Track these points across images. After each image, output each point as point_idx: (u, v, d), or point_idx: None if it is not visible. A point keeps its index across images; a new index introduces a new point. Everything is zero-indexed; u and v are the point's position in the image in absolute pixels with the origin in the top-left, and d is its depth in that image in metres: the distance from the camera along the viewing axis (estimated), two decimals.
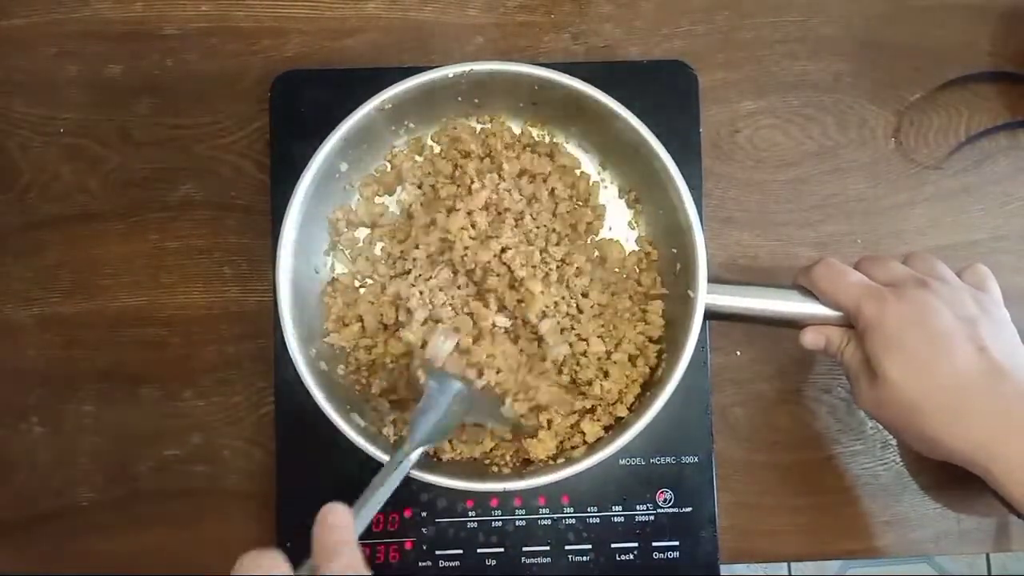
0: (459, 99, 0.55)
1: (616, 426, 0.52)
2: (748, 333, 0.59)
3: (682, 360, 0.50)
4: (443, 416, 0.49)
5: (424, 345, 0.51)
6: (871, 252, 0.60)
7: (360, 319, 0.54)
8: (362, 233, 0.56)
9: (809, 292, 0.51)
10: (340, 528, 0.39)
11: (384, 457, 0.48)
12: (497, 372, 0.51)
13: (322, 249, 0.55)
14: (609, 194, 0.58)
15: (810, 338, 0.52)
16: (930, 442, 0.47)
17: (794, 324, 0.52)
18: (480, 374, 0.51)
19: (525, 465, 0.52)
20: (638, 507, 0.55)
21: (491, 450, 0.53)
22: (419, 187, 0.56)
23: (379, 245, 0.56)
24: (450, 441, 0.53)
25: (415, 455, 0.46)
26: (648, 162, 0.52)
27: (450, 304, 0.52)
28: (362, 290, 0.55)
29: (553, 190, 0.56)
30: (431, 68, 0.52)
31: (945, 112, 0.61)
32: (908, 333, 0.47)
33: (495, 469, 0.52)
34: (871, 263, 0.51)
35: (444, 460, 0.53)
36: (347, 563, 0.37)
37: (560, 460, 0.51)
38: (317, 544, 0.38)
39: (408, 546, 0.54)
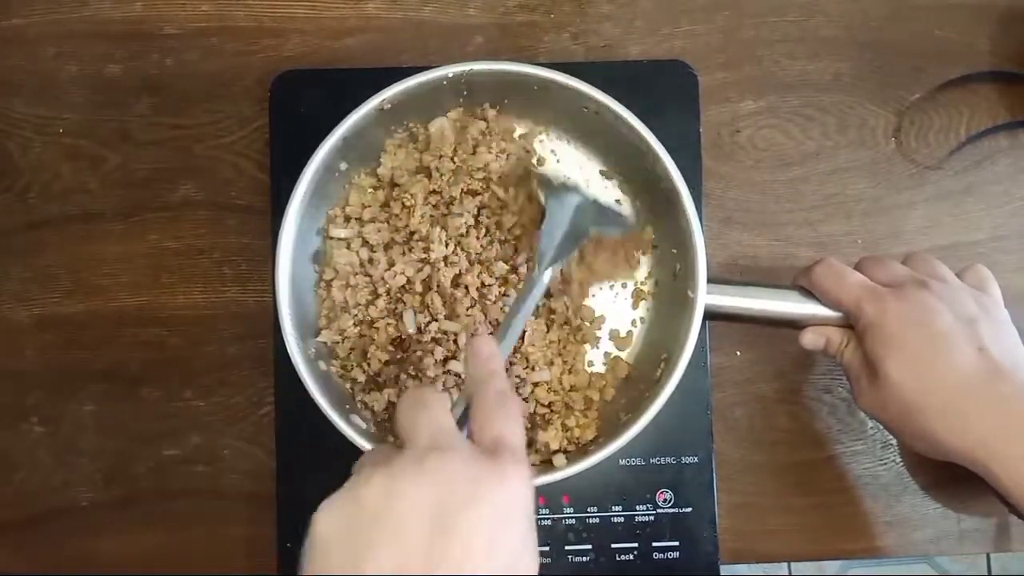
0: (459, 99, 0.55)
1: (615, 426, 0.52)
2: (748, 333, 0.59)
3: (682, 360, 0.50)
4: (568, 229, 0.50)
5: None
6: (871, 252, 0.60)
7: (343, 308, 0.54)
8: (353, 229, 0.56)
9: (809, 292, 0.51)
10: (490, 357, 0.41)
11: None
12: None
13: (321, 249, 0.55)
14: (609, 195, 0.58)
15: (810, 338, 0.52)
16: (930, 441, 0.47)
17: (794, 324, 0.52)
18: None
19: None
20: (638, 507, 0.55)
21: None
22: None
23: (368, 228, 0.55)
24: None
25: (547, 275, 0.48)
26: (648, 162, 0.52)
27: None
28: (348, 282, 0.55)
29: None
30: (431, 68, 0.52)
31: (945, 112, 0.61)
32: (908, 333, 0.47)
33: None
34: (871, 263, 0.51)
35: None
36: (497, 387, 0.39)
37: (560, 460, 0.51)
38: (470, 375, 0.41)
39: None
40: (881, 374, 0.47)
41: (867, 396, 0.49)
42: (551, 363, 0.54)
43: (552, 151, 0.58)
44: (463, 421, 0.39)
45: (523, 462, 0.37)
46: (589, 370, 0.55)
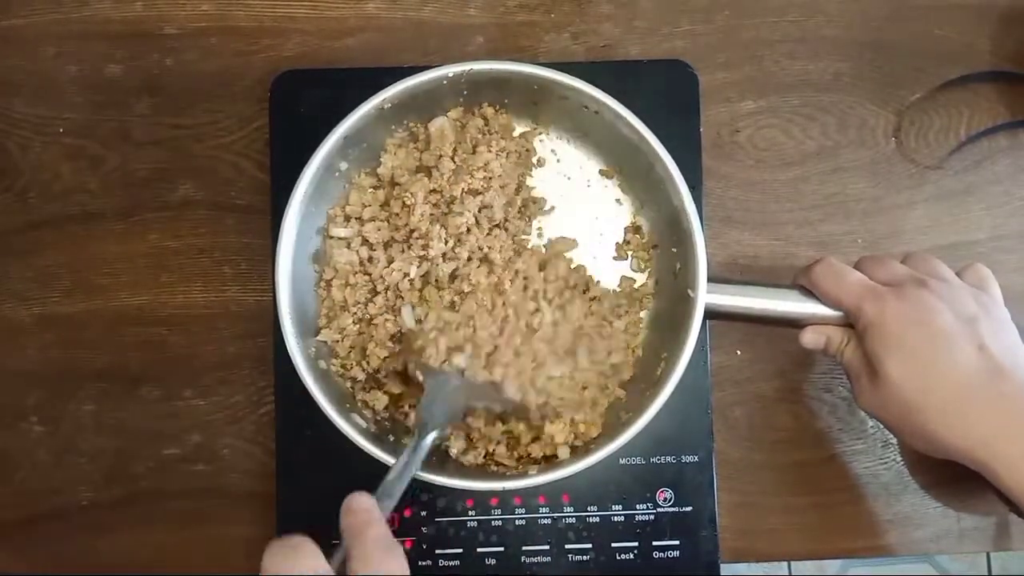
0: (459, 99, 0.55)
1: (616, 425, 0.52)
2: (748, 333, 0.59)
3: (682, 360, 0.50)
4: (447, 406, 0.49)
5: (415, 343, 0.51)
6: (871, 252, 0.60)
7: (343, 307, 0.54)
8: (353, 228, 0.55)
9: (809, 292, 0.51)
10: (365, 510, 0.40)
11: (384, 457, 0.48)
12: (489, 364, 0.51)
13: (321, 248, 0.55)
14: (609, 195, 0.58)
15: (810, 338, 0.52)
16: (931, 440, 0.47)
17: (794, 324, 0.52)
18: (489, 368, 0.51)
19: (526, 461, 0.52)
20: (638, 506, 0.55)
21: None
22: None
23: (368, 227, 0.55)
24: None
25: (430, 439, 0.47)
26: (648, 162, 0.52)
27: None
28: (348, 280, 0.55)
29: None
30: (431, 68, 0.52)
31: (945, 112, 0.61)
32: (908, 332, 0.47)
33: (494, 468, 0.52)
34: (871, 263, 0.51)
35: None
36: (375, 535, 0.38)
37: (560, 458, 0.51)
38: (345, 530, 0.39)
39: (408, 545, 0.54)
40: (881, 373, 0.47)
41: (867, 396, 0.49)
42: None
43: (552, 151, 0.58)
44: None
45: None
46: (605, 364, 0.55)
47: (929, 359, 0.46)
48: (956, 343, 0.46)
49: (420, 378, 0.51)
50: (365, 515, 0.40)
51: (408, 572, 0.37)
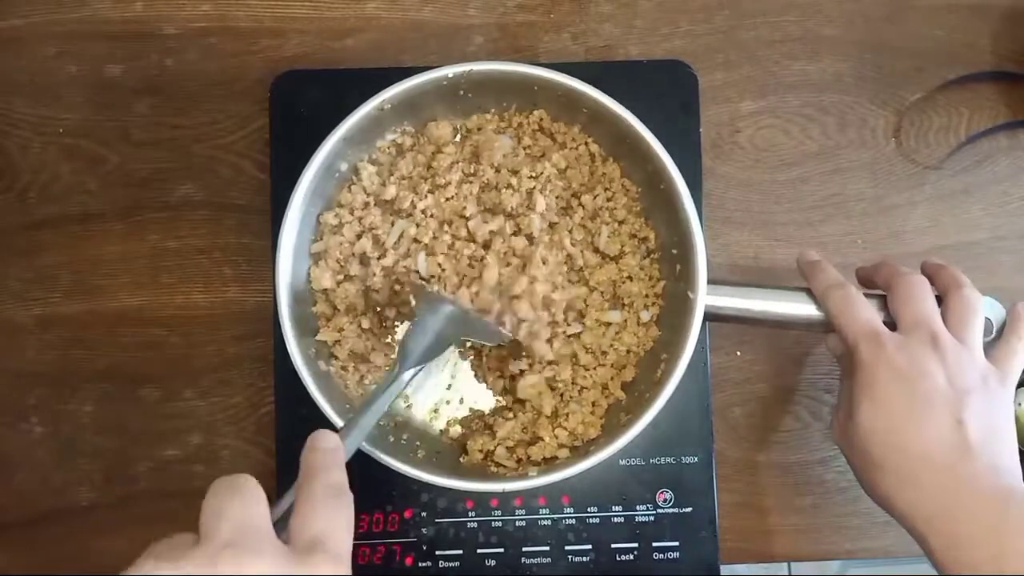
0: (459, 99, 0.55)
1: (615, 426, 0.52)
2: (748, 333, 0.59)
3: (682, 360, 0.50)
4: (434, 338, 0.49)
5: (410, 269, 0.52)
6: (871, 252, 0.59)
7: (337, 308, 0.54)
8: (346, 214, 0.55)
9: (811, 295, 0.51)
10: (327, 451, 0.39)
11: (384, 458, 0.48)
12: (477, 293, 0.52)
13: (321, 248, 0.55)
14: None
15: (833, 344, 0.51)
16: (879, 496, 0.46)
17: (793, 326, 0.52)
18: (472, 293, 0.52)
19: (526, 463, 0.52)
20: (638, 507, 0.55)
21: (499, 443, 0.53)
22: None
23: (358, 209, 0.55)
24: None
25: (407, 375, 0.47)
26: (648, 162, 0.52)
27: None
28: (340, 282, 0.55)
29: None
30: (431, 68, 0.52)
31: (945, 112, 0.61)
32: (892, 386, 0.46)
33: (495, 470, 0.52)
34: (905, 291, 0.48)
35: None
36: (330, 480, 0.37)
37: (560, 459, 0.51)
38: (303, 466, 0.38)
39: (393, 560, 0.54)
40: (855, 417, 0.46)
41: (838, 431, 0.49)
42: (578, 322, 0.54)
43: None
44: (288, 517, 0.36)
45: (342, 566, 0.33)
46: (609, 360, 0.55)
47: (902, 420, 0.45)
48: (935, 411, 0.45)
49: (413, 303, 0.51)
50: (324, 456, 0.38)
51: (351, 522, 0.36)
